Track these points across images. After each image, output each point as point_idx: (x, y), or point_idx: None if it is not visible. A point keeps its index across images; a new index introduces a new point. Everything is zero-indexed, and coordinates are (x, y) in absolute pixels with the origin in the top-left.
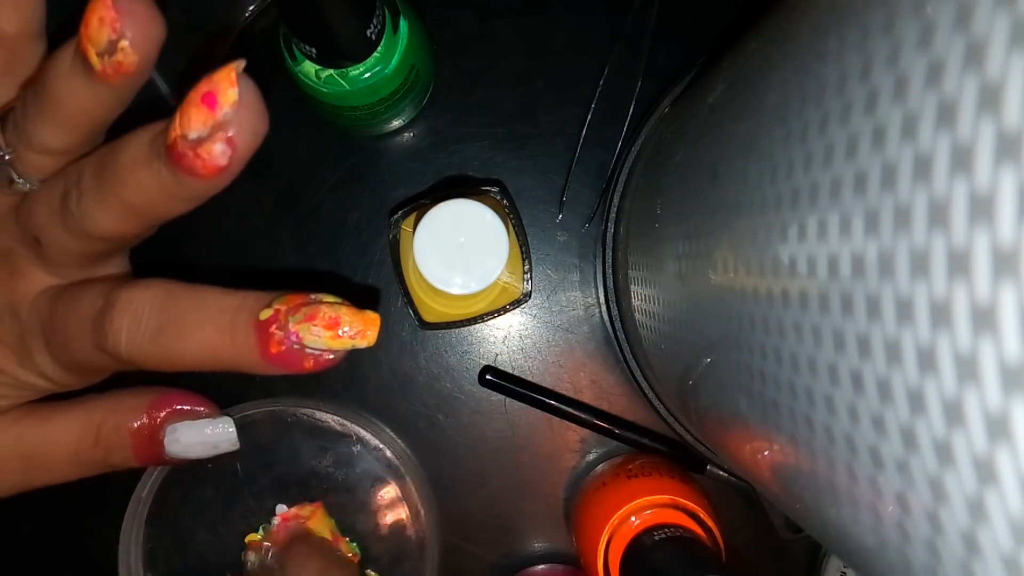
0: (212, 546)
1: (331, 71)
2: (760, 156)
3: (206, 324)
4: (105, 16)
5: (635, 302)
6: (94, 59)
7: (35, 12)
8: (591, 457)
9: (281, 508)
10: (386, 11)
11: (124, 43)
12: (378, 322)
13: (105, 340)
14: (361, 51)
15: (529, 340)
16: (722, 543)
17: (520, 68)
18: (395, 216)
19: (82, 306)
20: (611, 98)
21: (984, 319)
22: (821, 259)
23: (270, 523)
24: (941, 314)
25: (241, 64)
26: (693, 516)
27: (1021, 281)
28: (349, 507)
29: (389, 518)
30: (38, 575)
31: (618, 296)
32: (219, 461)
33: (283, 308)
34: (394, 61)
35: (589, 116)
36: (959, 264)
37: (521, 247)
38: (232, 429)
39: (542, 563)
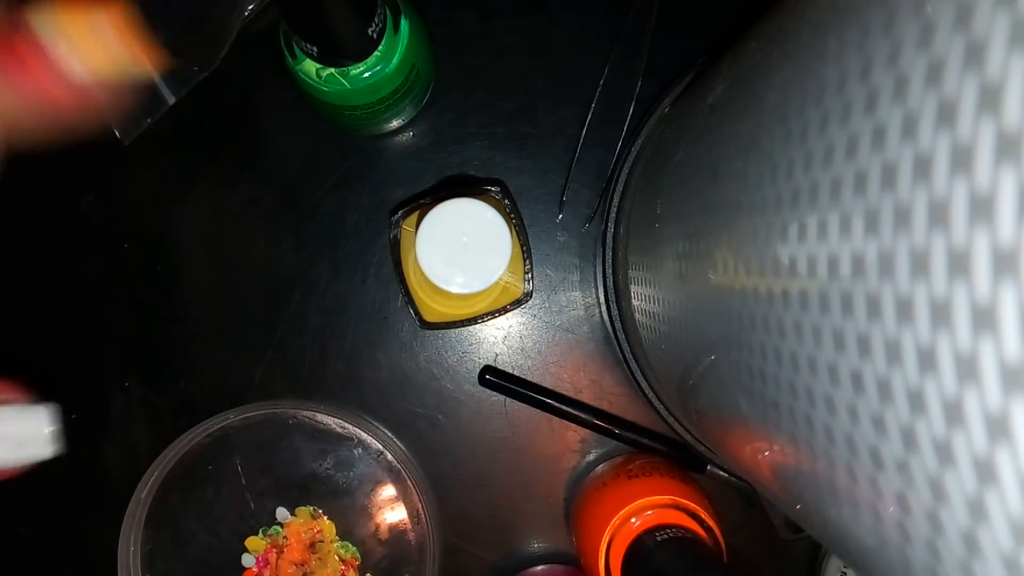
0: (211, 548)
1: (332, 70)
2: (760, 156)
3: None
4: None
5: (635, 302)
6: None
7: None
8: (591, 457)
9: (281, 511)
10: (387, 10)
11: None
12: None
13: None
14: (362, 50)
15: (529, 340)
16: (723, 543)
17: (520, 68)
18: (395, 216)
19: None
20: (611, 98)
21: (984, 319)
22: (821, 259)
23: (270, 526)
24: (941, 314)
25: None
26: (694, 516)
27: (1021, 281)
28: (349, 510)
29: (389, 521)
30: (38, 575)
31: (618, 296)
32: (219, 462)
33: None
34: (395, 60)
35: (589, 116)
36: (959, 264)
37: (522, 247)
38: (47, 430)
39: (542, 563)
